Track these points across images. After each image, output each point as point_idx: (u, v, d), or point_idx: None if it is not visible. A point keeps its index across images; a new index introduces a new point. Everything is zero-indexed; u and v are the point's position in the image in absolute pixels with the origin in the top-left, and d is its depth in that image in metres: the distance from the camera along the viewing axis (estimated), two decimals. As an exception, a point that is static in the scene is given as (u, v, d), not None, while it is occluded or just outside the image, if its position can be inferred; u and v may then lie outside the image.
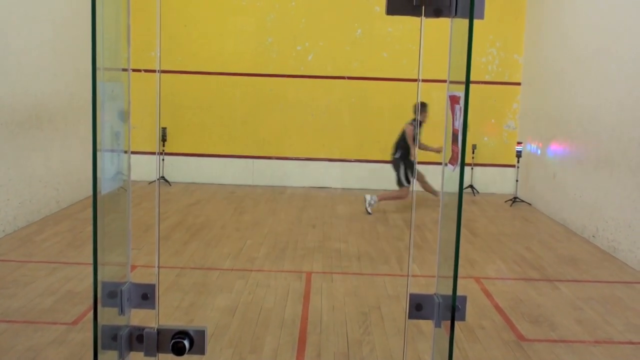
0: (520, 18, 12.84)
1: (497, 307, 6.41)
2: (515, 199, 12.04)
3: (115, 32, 2.22)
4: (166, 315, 5.80)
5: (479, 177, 12.95)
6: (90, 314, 5.76)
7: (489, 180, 12.98)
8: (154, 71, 11.28)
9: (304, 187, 13.00)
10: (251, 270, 7.38)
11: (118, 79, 2.32)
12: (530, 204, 11.87)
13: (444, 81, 2.28)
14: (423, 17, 2.30)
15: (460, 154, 2.10)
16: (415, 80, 12.38)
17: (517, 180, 12.30)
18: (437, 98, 10.66)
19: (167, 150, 12.76)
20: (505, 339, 5.63)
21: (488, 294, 6.80)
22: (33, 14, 9.09)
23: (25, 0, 8.87)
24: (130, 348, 2.19)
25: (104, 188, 2.13)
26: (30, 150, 9.08)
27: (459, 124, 2.15)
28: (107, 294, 2.20)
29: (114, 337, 2.17)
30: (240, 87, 12.98)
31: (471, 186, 12.83)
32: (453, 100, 2.22)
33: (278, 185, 12.98)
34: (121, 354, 2.17)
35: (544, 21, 11.90)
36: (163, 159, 12.72)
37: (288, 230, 9.40)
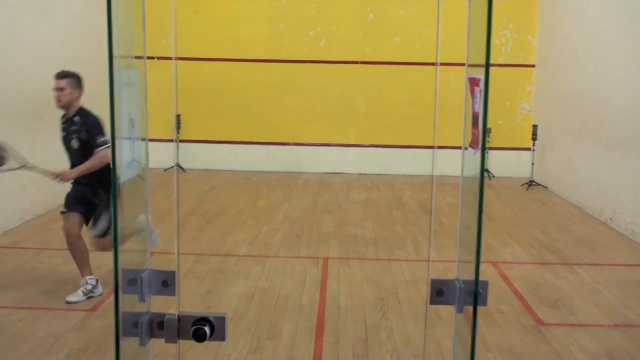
0: (533, -1, 12.73)
1: (515, 291, 6.39)
2: (531, 183, 11.97)
3: (130, 19, 2.21)
4: (184, 302, 5.82)
5: (495, 161, 12.88)
6: (109, 301, 5.81)
7: (505, 164, 12.90)
8: (167, 58, 11.25)
9: (318, 172, 12.98)
10: (267, 257, 7.38)
11: (134, 66, 2.31)
12: (546, 187, 11.80)
13: (459, 64, 2.25)
14: (440, -1, 2.27)
15: (481, 137, 2.08)
16: (427, 64, 12.28)
17: (532, 164, 12.23)
18: (454, 81, 10.58)
19: (181, 137, 12.77)
20: (524, 323, 5.61)
21: (506, 278, 6.77)
22: (45, 3, 9.08)
23: (38, -12, 8.89)
24: (151, 335, 2.19)
25: (122, 175, 2.13)
26: (46, 138, 9.09)
27: (479, 107, 2.12)
28: (127, 281, 2.20)
29: (135, 324, 2.17)
30: (253, 73, 12.95)
31: (486, 170, 12.77)
32: (472, 82, 2.19)
33: (293, 171, 12.97)
34: (142, 340, 2.17)
35: (558, 2, 11.78)
36: (178, 146, 12.74)
37: (304, 216, 9.40)
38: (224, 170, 12.90)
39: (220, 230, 8.48)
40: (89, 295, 5.93)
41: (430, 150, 12.46)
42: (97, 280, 6.03)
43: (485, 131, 2.06)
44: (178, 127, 12.60)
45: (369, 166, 13.07)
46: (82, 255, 5.95)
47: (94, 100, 10.50)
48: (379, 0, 12.78)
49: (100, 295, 6.01)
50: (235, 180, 12.08)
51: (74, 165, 6.21)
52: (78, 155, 6.16)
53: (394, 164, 13.02)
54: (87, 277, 5.95)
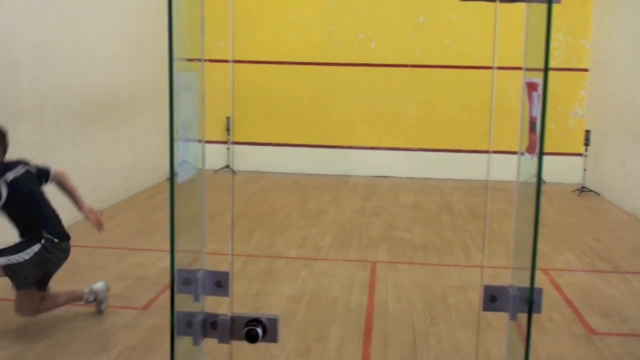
0: (587, 2, 12.49)
1: (566, 299, 6.28)
2: (583, 189, 11.76)
3: (188, 23, 2.24)
4: (233, 302, 5.86)
5: (546, 166, 12.56)
6: (160, 300, 5.90)
7: (555, 169, 12.68)
8: (220, 61, 11.37)
9: (367, 176, 12.95)
10: (316, 259, 7.40)
11: (192, 68, 2.35)
12: (598, 194, 11.57)
13: (511, 68, 2.23)
14: (498, 2, 2.26)
15: (539, 143, 2.06)
16: (478, 67, 12.16)
17: (584, 169, 12.00)
18: (504, 85, 10.46)
19: (231, 139, 12.88)
20: (574, 332, 5.51)
21: (556, 286, 6.66)
22: (102, 6, 9.27)
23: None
24: (205, 334, 2.22)
25: (179, 177, 2.16)
26: (102, 138, 9.29)
27: (537, 112, 2.10)
28: (181, 281, 2.23)
29: (189, 324, 2.20)
30: (303, 76, 12.99)
31: (538, 175, 12.55)
32: (530, 87, 2.17)
33: (341, 174, 12.97)
34: (196, 340, 2.20)
35: (613, 4, 11.55)
36: (228, 148, 12.85)
37: (352, 219, 9.39)
38: (273, 173, 12.96)
39: (270, 232, 8.52)
40: (101, 300, 5.61)
41: (480, 155, 12.33)
42: (88, 291, 5.57)
43: (544, 137, 2.04)
44: (230, 129, 12.70)
45: (417, 170, 12.99)
46: (61, 299, 5.47)
47: (150, 103, 10.71)
48: (430, 3, 12.71)
49: (104, 290, 5.65)
50: (285, 183, 12.14)
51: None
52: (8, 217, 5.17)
53: (443, 168, 12.92)
54: (84, 299, 5.56)
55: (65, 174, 5.45)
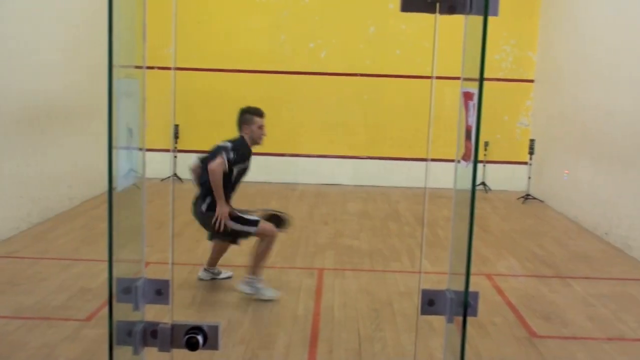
0: (534, 15, 12.78)
1: (509, 304, 6.41)
2: (527, 196, 12.00)
3: (130, 29, 2.23)
4: (179, 312, 5.82)
5: (491, 174, 12.91)
6: (104, 311, 5.81)
7: (501, 178, 12.93)
8: (167, 68, 11.28)
9: (315, 184, 12.99)
10: (263, 267, 7.37)
11: (133, 76, 2.34)
12: (542, 201, 11.83)
13: (458, 78, 2.28)
14: (437, 14, 2.31)
15: (474, 151, 2.11)
16: (427, 77, 12.35)
17: (529, 178, 12.26)
18: (450, 94, 10.62)
19: (179, 147, 12.79)
20: (516, 335, 5.62)
21: (500, 291, 6.79)
22: (45, 13, 9.12)
23: (38, -2, 8.95)
24: (145, 343, 2.21)
25: (118, 185, 2.15)
26: (43, 147, 9.11)
27: (472, 121, 2.16)
28: (121, 290, 2.21)
29: (129, 333, 2.18)
30: (252, 84, 12.98)
31: (483, 183, 12.80)
32: (467, 96, 2.22)
33: (289, 182, 12.98)
34: (136, 349, 2.18)
35: (559, 18, 11.85)
36: (175, 156, 12.75)
37: (300, 227, 9.39)
38: (221, 181, 12.85)
39: (217, 241, 8.45)
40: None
41: (427, 163, 12.48)
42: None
43: (478, 144, 2.09)
44: (176, 137, 12.61)
45: (365, 178, 13.10)
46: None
47: (95, 110, 10.54)
48: (381, 13, 12.84)
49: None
50: (232, 191, 12.05)
51: None
52: None
53: (390, 176, 13.04)
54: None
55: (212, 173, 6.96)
